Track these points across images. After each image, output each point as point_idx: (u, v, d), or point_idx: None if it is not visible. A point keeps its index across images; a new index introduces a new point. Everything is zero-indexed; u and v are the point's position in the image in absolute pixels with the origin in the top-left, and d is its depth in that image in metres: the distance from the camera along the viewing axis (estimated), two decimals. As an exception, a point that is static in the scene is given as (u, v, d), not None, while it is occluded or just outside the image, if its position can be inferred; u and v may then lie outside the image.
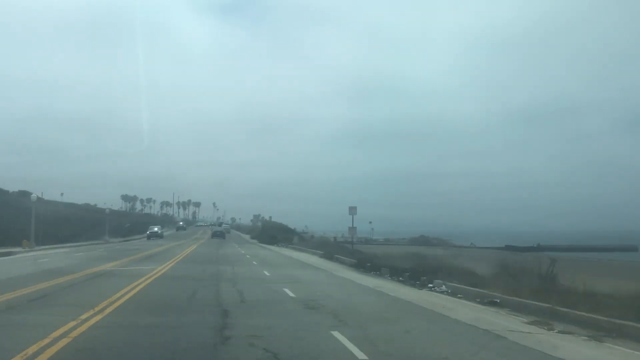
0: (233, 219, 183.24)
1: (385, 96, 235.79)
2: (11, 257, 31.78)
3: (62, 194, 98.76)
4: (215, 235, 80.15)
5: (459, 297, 15.25)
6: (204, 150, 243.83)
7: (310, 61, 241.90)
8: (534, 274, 16.48)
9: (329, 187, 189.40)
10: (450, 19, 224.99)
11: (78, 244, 53.81)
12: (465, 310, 12.54)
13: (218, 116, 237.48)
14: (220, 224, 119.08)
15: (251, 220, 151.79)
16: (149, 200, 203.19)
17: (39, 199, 51.64)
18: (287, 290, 15.27)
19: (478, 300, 14.23)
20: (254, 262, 30.43)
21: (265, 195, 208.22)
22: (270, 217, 75.79)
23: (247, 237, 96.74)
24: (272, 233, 60.64)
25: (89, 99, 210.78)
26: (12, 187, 79.25)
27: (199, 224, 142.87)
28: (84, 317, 9.61)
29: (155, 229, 77.17)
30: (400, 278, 20.52)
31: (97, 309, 10.62)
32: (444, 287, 16.97)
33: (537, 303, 12.10)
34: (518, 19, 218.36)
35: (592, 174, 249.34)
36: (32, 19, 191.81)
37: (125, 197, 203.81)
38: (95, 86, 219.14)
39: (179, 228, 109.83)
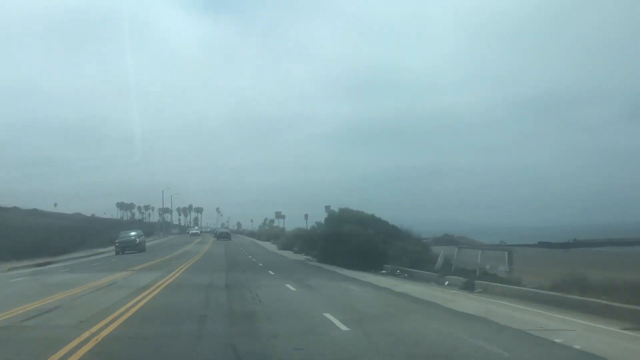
0: (239, 224, 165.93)
1: (386, 90, 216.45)
2: None
3: (55, 205, 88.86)
4: (220, 237, 79.53)
5: None
6: (202, 154, 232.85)
7: (305, 56, 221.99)
8: None
9: (330, 188, 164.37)
10: (451, 4, 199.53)
11: None
12: None
13: (213, 118, 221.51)
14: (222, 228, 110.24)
15: (260, 226, 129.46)
16: (146, 207, 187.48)
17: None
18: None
19: None
20: None
21: (266, 199, 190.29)
22: (329, 206, 38.12)
23: (269, 246, 60.70)
24: (359, 241, 22.92)
25: (77, 105, 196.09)
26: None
27: (193, 230, 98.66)
28: None
29: None
30: None
31: None
32: None
33: None
34: (522, 3, 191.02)
35: (607, 164, 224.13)
36: (9, 22, 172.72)
37: (120, 205, 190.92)
38: (83, 91, 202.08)
39: (121, 247, 45.69)
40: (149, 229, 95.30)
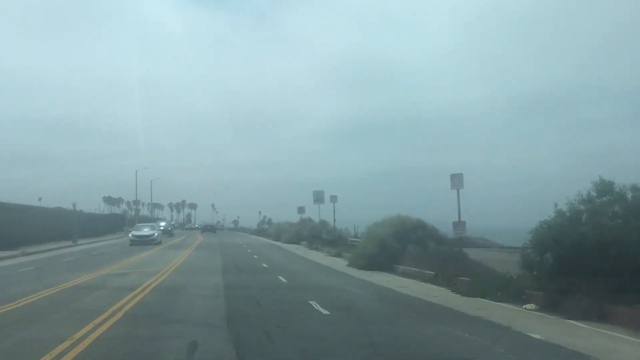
0: (236, 222, 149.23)
1: (382, 85, 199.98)
2: None
3: (40, 199, 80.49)
4: (205, 229, 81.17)
5: None
6: (196, 150, 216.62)
7: (299, 48, 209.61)
8: None
9: (326, 187, 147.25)
10: None
11: None
12: None
13: (206, 114, 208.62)
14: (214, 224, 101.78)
15: (259, 223, 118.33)
16: (136, 202, 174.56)
17: None
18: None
19: None
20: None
21: (258, 197, 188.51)
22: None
23: (319, 257, 29.74)
24: None
25: (66, 100, 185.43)
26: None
27: (139, 231, 40.29)
28: None
29: None
30: None
31: None
32: None
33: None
34: None
35: (610, 165, 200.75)
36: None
37: (108, 200, 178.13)
38: (71, 85, 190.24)
39: None
40: (110, 224, 63.77)
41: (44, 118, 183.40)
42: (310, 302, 11.16)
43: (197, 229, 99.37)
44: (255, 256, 27.56)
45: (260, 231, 75.85)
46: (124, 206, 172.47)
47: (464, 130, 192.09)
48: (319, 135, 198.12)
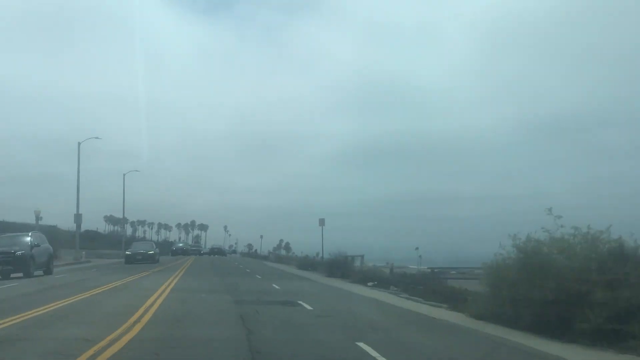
0: (250, 246, 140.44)
1: (393, 106, 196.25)
2: None
3: (41, 218, 66.22)
4: (212, 252, 72.33)
5: None
6: (204, 172, 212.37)
7: (308, 65, 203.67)
8: None
9: (334, 209, 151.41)
10: (465, 16, 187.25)
11: None
12: None
13: (214, 133, 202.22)
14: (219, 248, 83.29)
15: (274, 248, 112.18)
16: (141, 222, 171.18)
17: None
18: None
19: None
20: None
21: (272, 220, 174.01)
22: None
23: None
24: None
25: (69, 117, 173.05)
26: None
27: None
28: None
29: None
30: None
31: None
32: None
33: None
34: (545, 15, 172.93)
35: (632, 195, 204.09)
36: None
37: (110, 219, 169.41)
38: (74, 102, 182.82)
39: None
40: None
41: (46, 136, 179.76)
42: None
43: (178, 251, 64.57)
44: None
45: (332, 265, 29.37)
46: (127, 226, 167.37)
47: (478, 154, 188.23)
48: (326, 159, 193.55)
